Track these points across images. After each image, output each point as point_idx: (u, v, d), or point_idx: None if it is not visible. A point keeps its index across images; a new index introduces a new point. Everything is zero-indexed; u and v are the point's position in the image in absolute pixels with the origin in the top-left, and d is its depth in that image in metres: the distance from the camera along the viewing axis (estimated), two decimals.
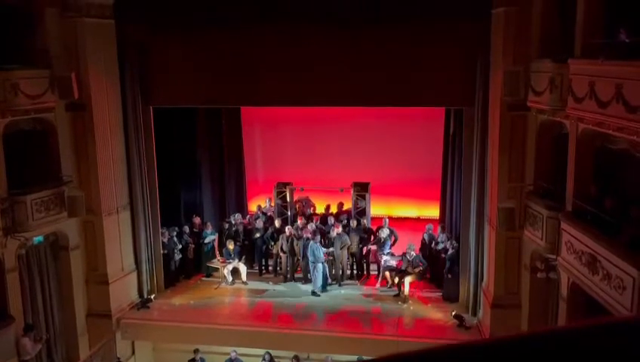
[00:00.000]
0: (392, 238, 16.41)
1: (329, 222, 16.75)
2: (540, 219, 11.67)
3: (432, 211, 19.00)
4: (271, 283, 16.63)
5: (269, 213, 17.95)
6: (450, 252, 15.33)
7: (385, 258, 15.85)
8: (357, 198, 16.88)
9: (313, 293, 15.65)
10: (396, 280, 15.47)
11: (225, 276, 16.42)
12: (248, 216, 18.51)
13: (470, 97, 13.97)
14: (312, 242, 15.53)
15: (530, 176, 12.56)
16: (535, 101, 11.80)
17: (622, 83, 8.77)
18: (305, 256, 16.04)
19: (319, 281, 15.63)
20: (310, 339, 14.13)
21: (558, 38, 11.52)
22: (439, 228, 16.56)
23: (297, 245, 16.16)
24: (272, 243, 16.72)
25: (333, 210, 18.09)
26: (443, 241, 15.87)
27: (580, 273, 9.71)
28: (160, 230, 16.16)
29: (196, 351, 14.68)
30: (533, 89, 11.76)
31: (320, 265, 15.53)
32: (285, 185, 17.58)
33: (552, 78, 10.95)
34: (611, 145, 10.13)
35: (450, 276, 15.29)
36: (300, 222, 16.78)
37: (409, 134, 19.13)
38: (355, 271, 16.82)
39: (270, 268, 17.30)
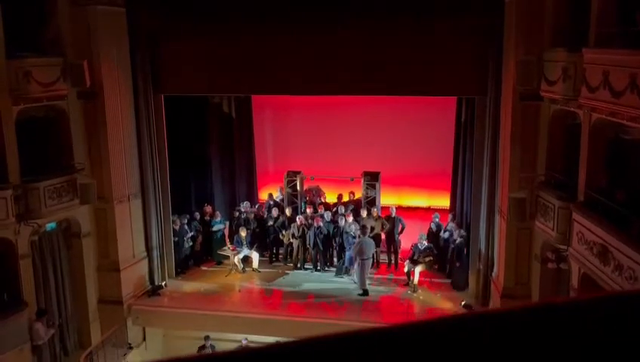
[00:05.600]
0: (400, 226, 16.42)
1: (339, 211, 16.76)
2: (551, 210, 11.61)
3: (443, 201, 18.95)
4: (281, 271, 16.71)
5: (279, 201, 17.95)
6: (458, 241, 15.32)
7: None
8: (367, 188, 16.88)
9: (364, 293, 15.14)
10: (406, 269, 15.48)
11: (235, 264, 16.50)
12: (258, 205, 18.56)
13: (482, 87, 13.90)
14: (365, 237, 15.14)
15: (542, 167, 12.48)
16: (548, 90, 11.70)
17: (636, 72, 8.69)
18: (316, 245, 16.08)
19: (366, 276, 15.29)
20: (319, 327, 14.19)
21: (570, 27, 11.40)
22: (449, 217, 16.53)
23: (308, 234, 16.21)
24: (283, 232, 16.77)
25: (344, 198, 18.08)
26: (451, 230, 15.85)
27: (591, 264, 9.68)
28: (171, 217, 16.26)
29: (207, 337, 14.79)
30: (546, 78, 11.66)
31: (369, 262, 15.24)
32: (296, 173, 17.59)
33: (565, 67, 10.85)
34: (624, 136, 10.06)
35: (458, 265, 15.28)
36: (309, 211, 16.80)
37: (420, 123, 19.03)
38: None
39: (281, 256, 17.36)
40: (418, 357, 0.96)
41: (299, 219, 16.40)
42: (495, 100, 13.67)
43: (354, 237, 15.63)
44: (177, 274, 16.52)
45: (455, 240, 15.44)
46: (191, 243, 16.87)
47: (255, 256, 16.65)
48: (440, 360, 0.95)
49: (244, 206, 17.73)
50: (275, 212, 17.08)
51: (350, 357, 0.95)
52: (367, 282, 15.41)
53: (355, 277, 15.53)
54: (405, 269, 15.53)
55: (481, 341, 0.96)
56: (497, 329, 0.97)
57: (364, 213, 16.40)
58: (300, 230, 16.29)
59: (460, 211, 17.09)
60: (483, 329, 0.99)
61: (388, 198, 18.38)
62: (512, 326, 0.98)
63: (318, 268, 16.44)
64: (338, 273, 16.15)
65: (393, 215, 16.56)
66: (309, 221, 16.36)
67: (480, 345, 0.96)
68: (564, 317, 0.98)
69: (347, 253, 15.73)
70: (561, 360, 0.93)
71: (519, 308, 1.01)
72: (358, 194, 17.52)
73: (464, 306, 14.28)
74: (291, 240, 16.63)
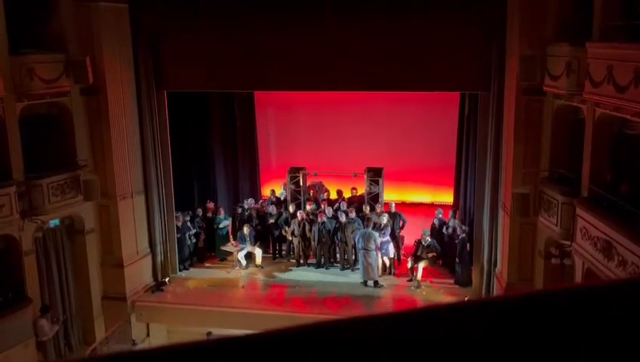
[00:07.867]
0: (400, 222, 16.40)
1: (341, 207, 16.75)
2: (555, 205, 11.60)
3: (446, 197, 18.94)
4: (284, 267, 16.71)
5: (282, 198, 17.95)
6: (460, 236, 15.30)
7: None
8: (370, 183, 16.86)
9: (365, 283, 15.28)
10: (409, 264, 15.48)
11: (239, 260, 16.52)
12: (261, 201, 18.57)
13: (485, 82, 13.86)
14: (368, 229, 15.14)
15: (546, 162, 12.45)
16: (551, 85, 11.67)
17: None
18: (320, 241, 16.09)
19: (376, 270, 15.29)
20: None
21: (574, 21, 11.36)
22: (450, 213, 16.51)
23: (310, 230, 16.21)
24: (286, 228, 16.77)
25: (346, 195, 18.07)
26: (454, 226, 15.82)
27: (595, 259, 9.66)
28: (174, 214, 16.28)
29: (209, 333, 14.80)
30: (550, 73, 11.62)
31: (374, 253, 15.19)
32: (298, 169, 17.57)
33: (568, 62, 10.82)
34: (628, 131, 10.02)
35: (459, 260, 15.27)
36: (309, 207, 16.77)
37: (423, 119, 19.02)
38: None
39: (283, 252, 17.36)
40: (415, 342, 0.94)
41: (300, 214, 16.40)
42: (498, 96, 13.63)
43: (353, 231, 15.67)
44: (181, 270, 16.56)
45: (458, 236, 15.43)
46: (194, 240, 16.90)
47: (258, 252, 16.66)
48: (436, 349, 0.94)
49: (248, 202, 17.74)
50: (274, 209, 17.08)
51: (338, 344, 0.93)
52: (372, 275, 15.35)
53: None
54: (409, 265, 15.52)
55: (480, 328, 0.95)
56: (496, 317, 0.96)
57: (366, 209, 16.39)
58: (301, 226, 16.29)
59: (464, 207, 17.07)
60: (482, 316, 0.98)
61: (391, 194, 18.35)
62: (511, 313, 0.97)
63: (322, 263, 16.42)
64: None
65: (393, 210, 16.54)
66: (311, 217, 16.35)
67: (478, 332, 0.95)
68: (567, 304, 0.97)
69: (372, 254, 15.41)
70: (563, 347, 0.92)
71: (518, 296, 1.00)
72: (361, 190, 17.50)
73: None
74: (291, 238, 16.62)
